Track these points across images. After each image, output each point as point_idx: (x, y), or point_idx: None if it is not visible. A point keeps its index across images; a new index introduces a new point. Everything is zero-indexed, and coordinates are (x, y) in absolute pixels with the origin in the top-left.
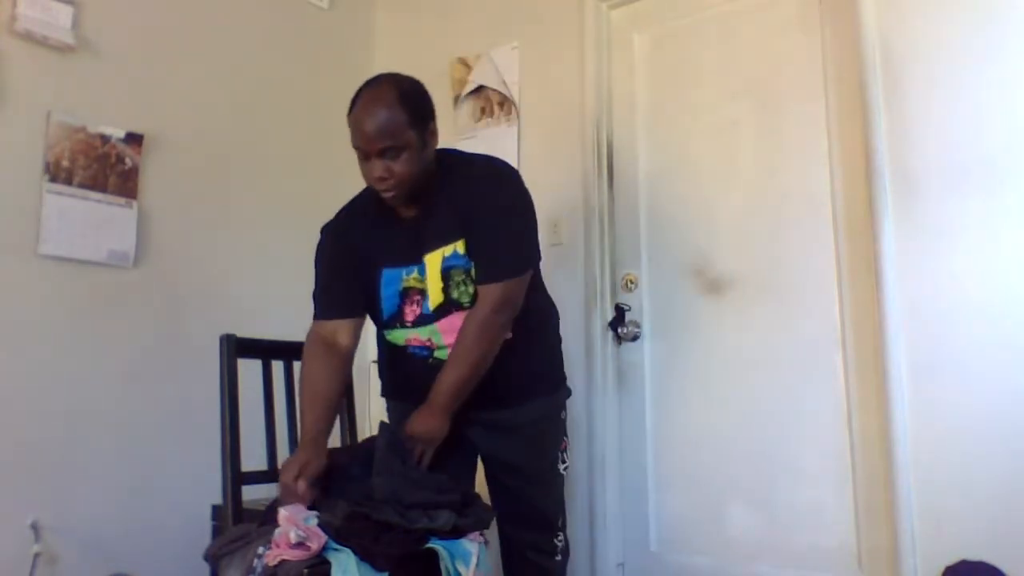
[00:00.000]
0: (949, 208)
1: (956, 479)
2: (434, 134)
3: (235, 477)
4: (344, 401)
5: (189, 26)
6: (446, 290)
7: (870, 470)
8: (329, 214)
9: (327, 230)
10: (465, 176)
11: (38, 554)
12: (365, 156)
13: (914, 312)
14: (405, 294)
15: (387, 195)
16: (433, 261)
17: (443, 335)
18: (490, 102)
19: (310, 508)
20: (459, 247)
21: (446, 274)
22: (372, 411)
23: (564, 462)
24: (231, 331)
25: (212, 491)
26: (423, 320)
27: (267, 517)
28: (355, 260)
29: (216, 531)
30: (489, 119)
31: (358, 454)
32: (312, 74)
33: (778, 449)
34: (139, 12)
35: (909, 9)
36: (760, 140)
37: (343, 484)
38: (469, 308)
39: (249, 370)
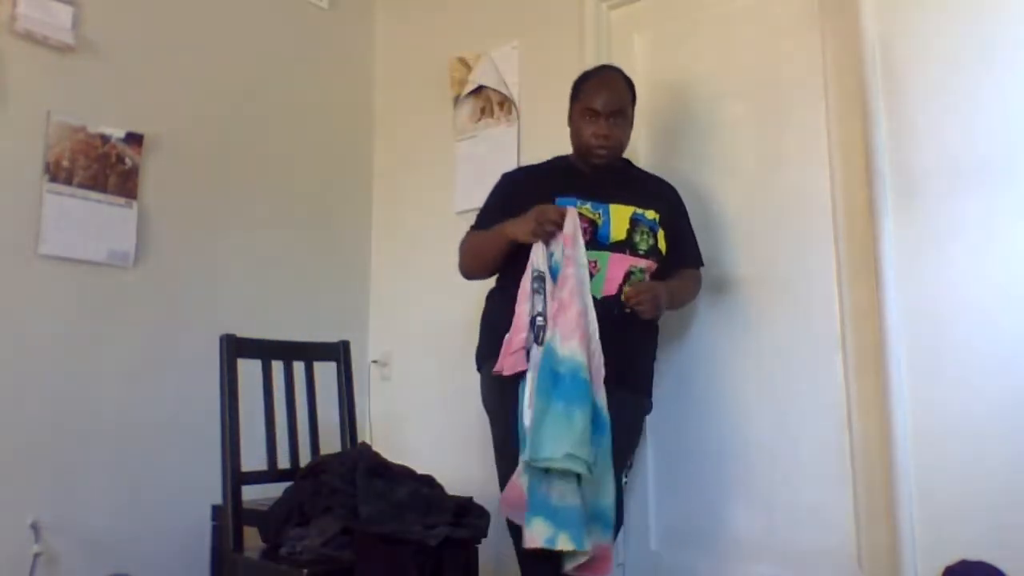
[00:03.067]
0: (949, 208)
1: (956, 479)
2: (632, 124)
3: (235, 477)
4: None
5: (189, 26)
6: (630, 232)
7: (870, 470)
8: (329, 213)
9: (508, 175)
10: (654, 178)
11: (38, 554)
12: (594, 116)
13: (914, 312)
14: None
15: (600, 152)
16: (622, 211)
17: (609, 266)
18: (490, 102)
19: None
20: (648, 214)
21: (634, 222)
22: (372, 411)
23: (626, 477)
24: (231, 331)
25: (212, 491)
26: (597, 245)
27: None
28: (527, 200)
29: (216, 531)
30: (489, 119)
31: (342, 467)
32: (312, 74)
33: (778, 449)
34: (139, 12)
35: (909, 9)
36: (760, 140)
37: (329, 498)
38: (642, 256)
39: (249, 370)
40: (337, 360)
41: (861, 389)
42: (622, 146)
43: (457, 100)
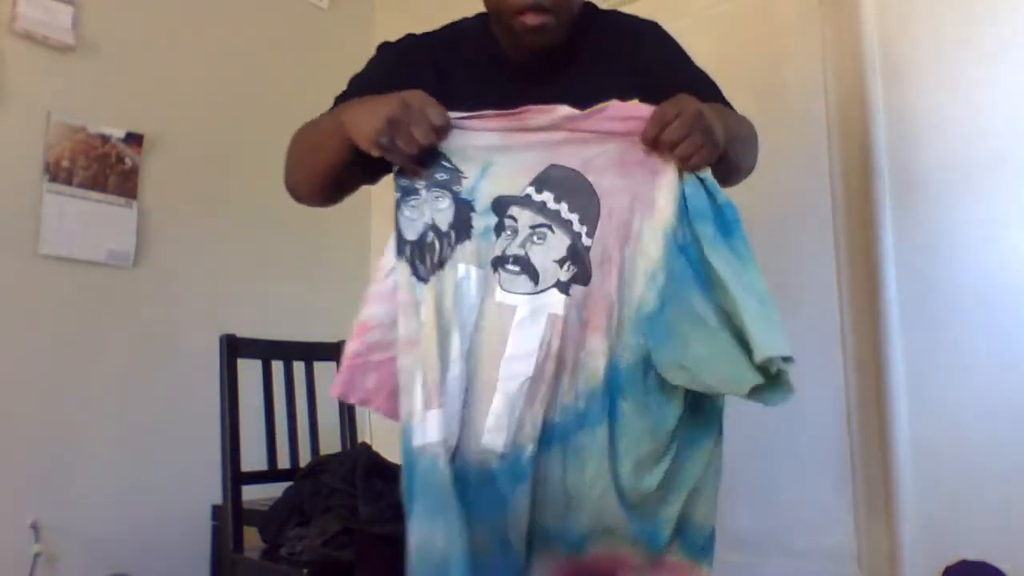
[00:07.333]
0: (949, 208)
1: (956, 479)
2: None
3: (235, 477)
4: None
5: (189, 26)
6: None
7: (870, 470)
8: (329, 213)
9: (393, 45)
10: (616, 37)
11: (38, 554)
12: None
13: (914, 312)
14: None
15: (534, 38)
16: None
17: None
18: None
19: None
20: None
21: None
22: (372, 411)
23: None
24: (231, 331)
25: (212, 491)
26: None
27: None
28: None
29: (216, 531)
30: None
31: (342, 467)
32: (312, 74)
33: (778, 448)
34: (139, 12)
35: (909, 9)
36: (760, 140)
37: (329, 498)
38: None
39: (249, 370)
40: (337, 360)
41: (861, 389)
42: (571, 10)
43: None
